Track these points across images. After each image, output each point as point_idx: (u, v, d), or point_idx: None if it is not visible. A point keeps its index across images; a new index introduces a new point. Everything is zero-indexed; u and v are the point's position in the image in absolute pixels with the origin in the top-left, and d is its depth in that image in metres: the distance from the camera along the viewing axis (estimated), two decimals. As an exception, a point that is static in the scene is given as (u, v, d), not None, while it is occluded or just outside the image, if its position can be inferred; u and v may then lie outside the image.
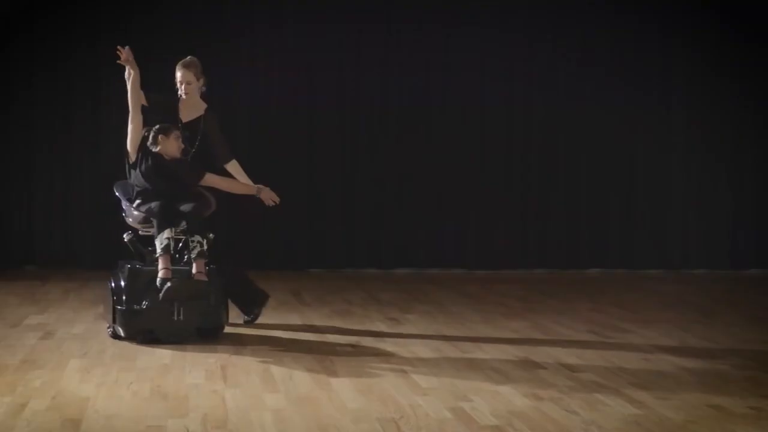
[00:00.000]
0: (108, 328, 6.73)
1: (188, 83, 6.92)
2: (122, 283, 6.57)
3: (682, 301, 8.99)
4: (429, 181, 10.69)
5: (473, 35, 10.69)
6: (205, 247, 6.57)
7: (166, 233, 6.54)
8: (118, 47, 6.80)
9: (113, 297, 6.57)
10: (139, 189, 6.80)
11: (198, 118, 6.96)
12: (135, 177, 6.83)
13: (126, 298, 6.51)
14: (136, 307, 6.48)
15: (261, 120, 10.43)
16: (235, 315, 7.19)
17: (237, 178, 7.01)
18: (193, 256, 6.55)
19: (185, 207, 6.64)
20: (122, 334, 6.53)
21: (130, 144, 6.82)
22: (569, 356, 6.29)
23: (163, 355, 6.16)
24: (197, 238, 6.56)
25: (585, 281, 10.24)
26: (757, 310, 8.57)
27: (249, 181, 7.03)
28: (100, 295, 7.85)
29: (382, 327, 7.31)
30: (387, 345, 6.59)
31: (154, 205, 6.65)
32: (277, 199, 7.01)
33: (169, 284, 6.40)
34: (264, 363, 5.97)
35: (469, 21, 10.69)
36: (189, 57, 7.03)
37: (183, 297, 6.44)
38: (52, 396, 5.10)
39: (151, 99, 6.92)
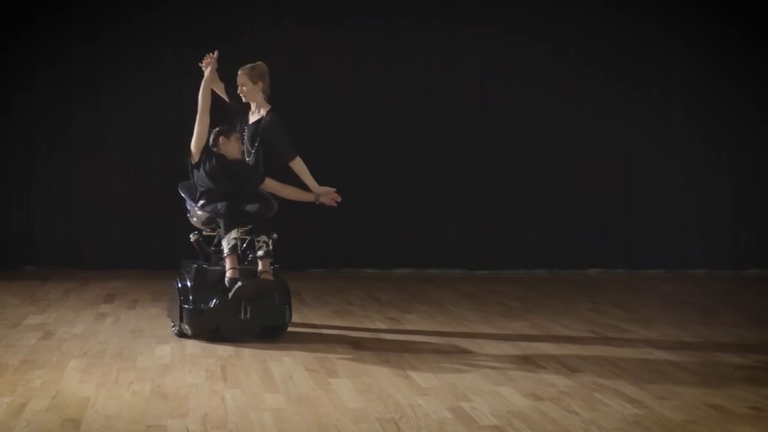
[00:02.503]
0: (173, 326, 6.84)
1: (242, 86, 7.07)
2: (189, 283, 6.69)
3: (682, 301, 8.99)
4: (429, 181, 10.69)
5: (473, 35, 10.69)
6: (271, 247, 6.68)
7: (234, 233, 6.66)
8: (209, 54, 7.06)
9: (180, 296, 6.67)
10: (202, 189, 6.91)
11: (259, 120, 7.09)
12: (198, 177, 6.95)
13: (193, 298, 6.63)
14: (203, 306, 6.59)
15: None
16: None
17: (301, 177, 7.10)
18: (259, 255, 6.65)
19: (251, 207, 6.74)
20: (189, 333, 6.64)
21: (195, 145, 6.94)
22: (569, 356, 6.29)
23: (163, 355, 6.16)
24: (263, 237, 6.69)
25: (585, 281, 10.24)
26: (757, 310, 8.58)
27: (313, 181, 7.12)
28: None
29: (382, 327, 7.31)
30: (387, 345, 6.59)
31: (220, 205, 6.75)
32: (339, 199, 7.14)
33: (239, 284, 6.49)
34: (264, 363, 5.98)
35: (469, 21, 10.69)
36: (256, 62, 7.17)
37: (252, 296, 6.55)
38: (52, 396, 5.10)
39: (231, 103, 7.18)
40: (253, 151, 7.05)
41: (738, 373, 5.92)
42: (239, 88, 7.08)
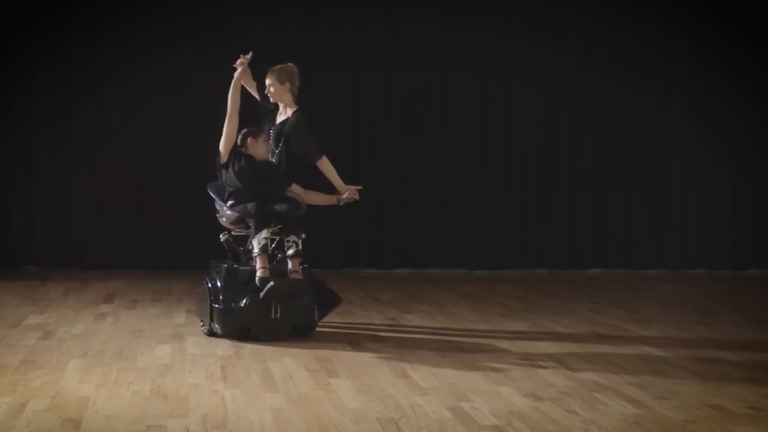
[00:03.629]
0: (202, 326, 6.88)
1: (270, 85, 7.12)
2: (219, 283, 6.73)
3: (682, 301, 8.99)
4: (429, 181, 10.69)
5: (473, 35, 10.69)
6: (300, 247, 6.73)
7: (264, 233, 6.71)
8: (243, 55, 7.09)
9: (210, 296, 6.70)
10: (231, 190, 6.95)
11: (284, 121, 7.13)
12: (227, 178, 6.99)
13: (223, 297, 6.67)
14: (233, 305, 6.64)
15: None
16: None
17: (328, 177, 7.14)
18: (289, 255, 6.70)
19: (280, 207, 6.80)
20: (219, 332, 6.68)
21: (224, 145, 6.98)
22: (569, 356, 6.29)
23: (163, 355, 6.16)
24: (293, 237, 6.74)
25: (585, 281, 10.24)
26: (757, 310, 8.58)
27: (339, 180, 7.16)
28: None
29: (382, 327, 7.31)
30: (387, 345, 6.59)
31: (250, 205, 6.80)
32: (357, 193, 7.19)
33: (271, 283, 6.55)
34: (264, 363, 5.97)
35: (469, 21, 10.69)
36: (286, 63, 7.23)
37: (283, 296, 6.60)
38: (52, 396, 5.10)
39: (262, 102, 7.24)
40: (277, 151, 7.10)
41: (738, 373, 5.92)
42: (267, 88, 7.13)
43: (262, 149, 6.96)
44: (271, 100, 7.17)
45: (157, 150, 10.37)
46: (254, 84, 7.25)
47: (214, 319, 6.66)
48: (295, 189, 7.04)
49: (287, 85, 7.11)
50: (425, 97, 10.74)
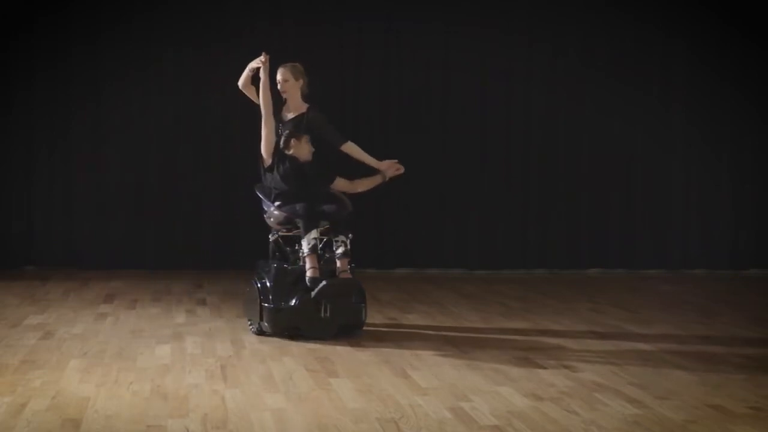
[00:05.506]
0: (250, 325, 6.97)
1: (285, 80, 7.15)
2: (269, 283, 6.82)
3: (682, 301, 8.99)
4: (429, 181, 10.68)
5: (473, 35, 10.69)
6: (349, 246, 6.81)
7: (313, 233, 6.79)
8: (264, 54, 7.11)
9: (260, 295, 6.80)
10: (277, 191, 7.02)
11: (300, 115, 7.16)
12: (272, 180, 7.06)
13: (273, 297, 6.77)
14: (283, 304, 6.72)
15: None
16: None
17: (359, 158, 7.23)
18: (338, 255, 6.80)
19: (328, 207, 6.91)
20: (268, 331, 6.76)
21: (265, 149, 7.06)
22: (569, 356, 6.29)
23: (163, 355, 6.16)
24: (341, 237, 6.84)
25: (585, 281, 10.24)
26: (757, 310, 8.58)
27: (372, 158, 7.26)
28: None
29: (382, 327, 7.31)
30: (387, 345, 6.59)
31: (299, 206, 6.87)
32: (401, 168, 7.35)
33: (324, 283, 6.63)
34: (264, 363, 5.98)
35: (469, 21, 10.69)
36: (294, 62, 7.28)
37: (334, 295, 6.70)
38: (52, 396, 5.10)
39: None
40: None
41: (738, 373, 5.92)
42: (281, 83, 7.14)
43: (305, 150, 7.02)
44: (283, 95, 7.18)
45: (157, 150, 10.37)
46: (253, 89, 7.23)
47: (264, 318, 6.77)
48: (340, 183, 7.15)
49: (301, 81, 7.16)
50: (425, 97, 10.74)
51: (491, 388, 5.41)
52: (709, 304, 8.79)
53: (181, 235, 10.39)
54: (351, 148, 7.22)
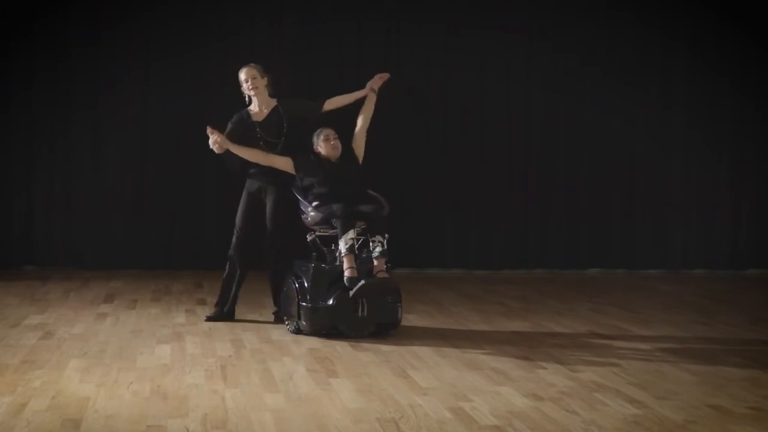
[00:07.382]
0: (287, 324, 7.04)
1: (253, 78, 7.23)
2: (306, 282, 6.87)
3: (682, 301, 8.99)
4: (429, 181, 10.68)
5: (473, 35, 10.69)
6: (386, 246, 6.85)
7: (351, 233, 6.83)
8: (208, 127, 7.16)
9: (298, 295, 6.86)
10: (314, 192, 7.08)
11: (274, 109, 7.26)
12: (306, 181, 7.14)
13: (311, 296, 6.82)
14: (321, 303, 6.77)
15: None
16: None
17: (344, 103, 7.42)
18: (375, 254, 6.83)
19: (365, 207, 6.98)
20: (306, 330, 6.82)
21: (264, 158, 7.18)
22: (569, 356, 6.29)
23: (163, 355, 6.16)
24: (378, 237, 6.87)
25: (585, 281, 10.24)
26: (757, 310, 8.58)
27: (354, 93, 7.42)
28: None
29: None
30: (387, 345, 6.59)
31: (336, 206, 6.91)
32: (385, 75, 7.41)
33: (363, 282, 6.66)
34: (264, 363, 5.98)
35: (470, 21, 10.69)
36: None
37: (372, 294, 6.76)
38: (52, 396, 5.10)
39: (235, 120, 7.31)
40: (283, 138, 7.22)
41: (738, 373, 5.92)
42: (250, 80, 7.20)
43: (336, 149, 7.13)
44: (252, 94, 7.24)
45: (157, 150, 10.37)
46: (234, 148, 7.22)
47: (302, 317, 6.82)
48: (334, 101, 7.33)
49: (265, 79, 7.25)
50: (425, 96, 10.73)
51: (491, 388, 5.41)
52: (709, 304, 8.79)
53: (181, 235, 10.39)
54: (331, 102, 7.36)
